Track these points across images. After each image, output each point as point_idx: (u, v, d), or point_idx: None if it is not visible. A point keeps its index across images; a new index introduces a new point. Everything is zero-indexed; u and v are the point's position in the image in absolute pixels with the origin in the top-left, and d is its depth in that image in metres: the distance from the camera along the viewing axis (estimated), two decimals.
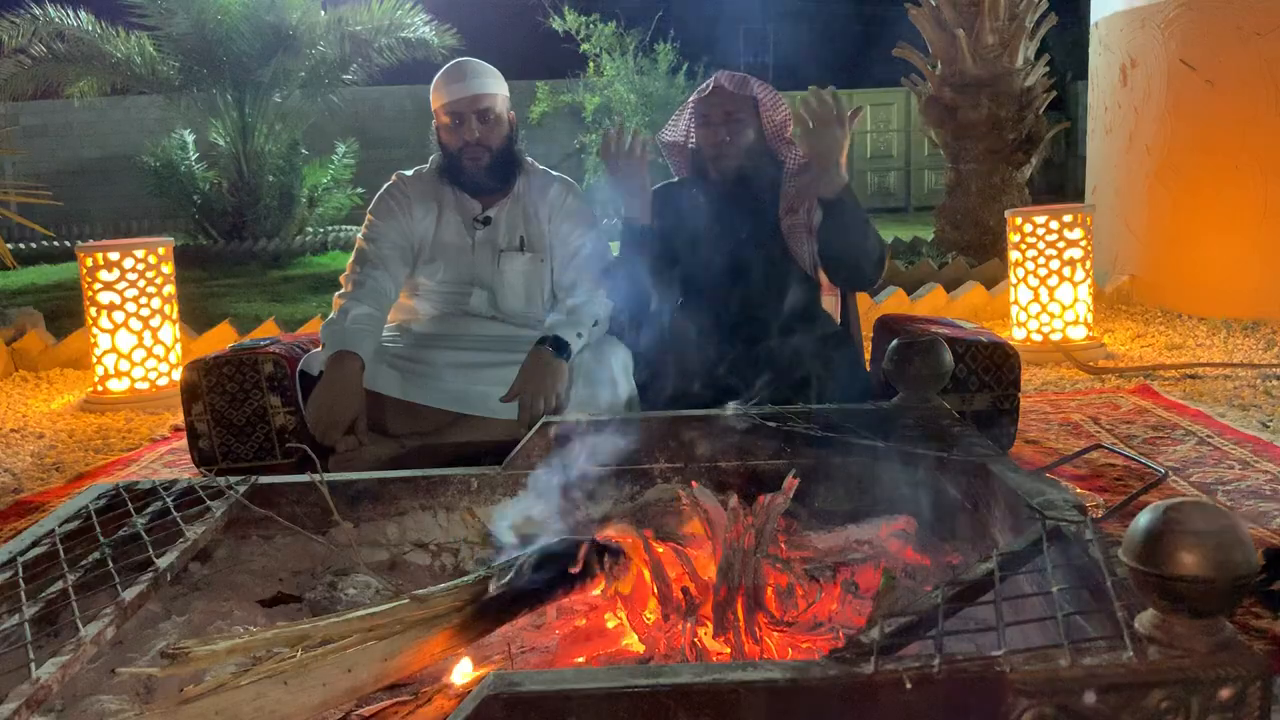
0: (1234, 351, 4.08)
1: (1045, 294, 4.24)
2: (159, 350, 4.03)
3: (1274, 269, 4.62)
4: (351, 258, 2.61)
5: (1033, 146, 6.58)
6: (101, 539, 1.53)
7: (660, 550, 1.55)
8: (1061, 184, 12.60)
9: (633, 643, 1.45)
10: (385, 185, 2.71)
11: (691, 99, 2.63)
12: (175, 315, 4.14)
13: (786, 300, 2.53)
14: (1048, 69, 6.67)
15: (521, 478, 1.87)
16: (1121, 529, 1.03)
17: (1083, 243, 4.23)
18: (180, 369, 3.08)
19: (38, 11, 9.42)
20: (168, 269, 4.06)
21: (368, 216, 2.66)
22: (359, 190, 10.58)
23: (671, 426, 1.92)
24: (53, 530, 1.57)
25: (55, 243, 10.42)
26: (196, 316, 5.55)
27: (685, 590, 1.47)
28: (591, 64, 11.73)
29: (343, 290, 2.52)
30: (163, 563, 1.45)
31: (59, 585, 1.37)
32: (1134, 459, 1.60)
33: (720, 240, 2.54)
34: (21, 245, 10.35)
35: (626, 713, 0.97)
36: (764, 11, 16.95)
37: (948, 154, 6.79)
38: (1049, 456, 2.67)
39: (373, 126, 12.87)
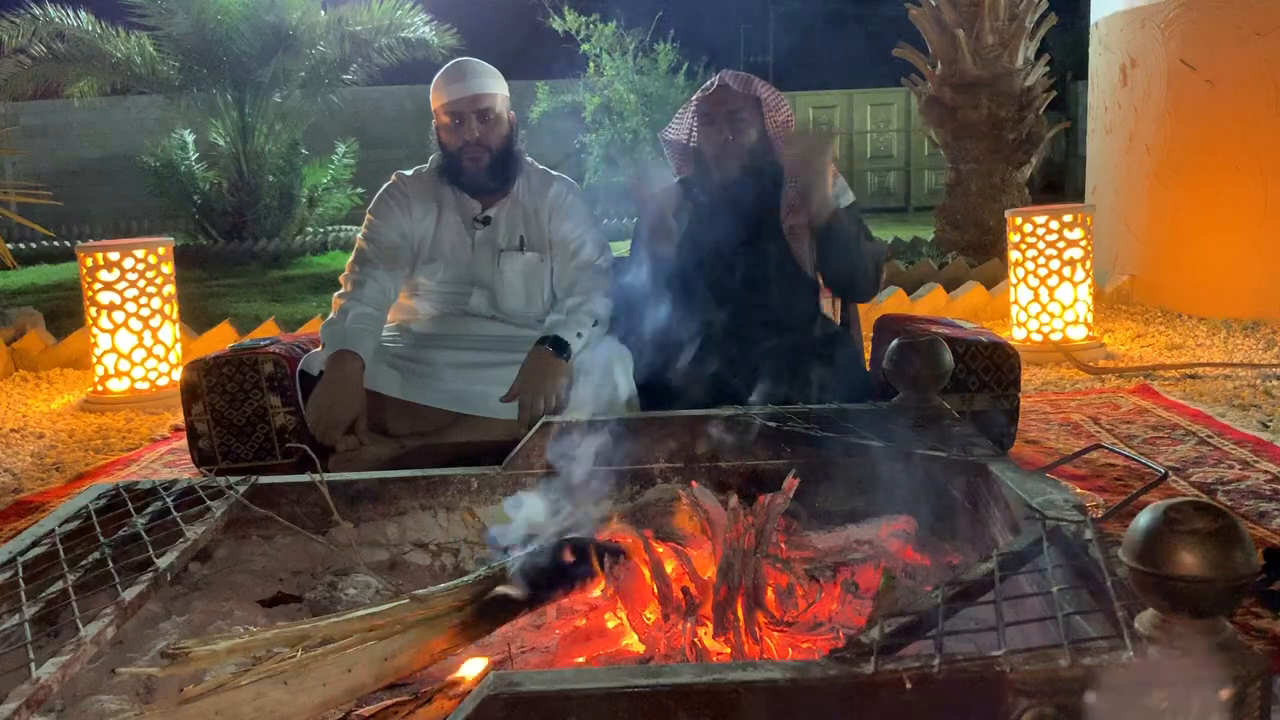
0: (1234, 351, 4.08)
1: (1045, 294, 4.25)
2: (159, 350, 4.03)
3: (1274, 269, 4.62)
4: (351, 257, 2.60)
5: (1033, 146, 6.58)
6: (101, 539, 1.53)
7: (660, 550, 1.55)
8: (1061, 184, 12.60)
9: (633, 643, 1.45)
10: (385, 185, 2.70)
11: (695, 98, 2.63)
12: (175, 315, 4.14)
13: (787, 300, 2.52)
14: (1048, 69, 6.67)
15: (521, 478, 1.87)
16: (1121, 529, 1.03)
17: (1083, 243, 4.23)
18: (180, 369, 3.08)
19: (38, 11, 9.43)
20: (168, 269, 4.06)
21: (367, 216, 2.66)
22: (359, 190, 10.59)
23: (671, 426, 1.92)
24: (53, 530, 1.57)
25: (55, 243, 10.43)
26: (196, 316, 5.55)
27: (685, 590, 1.47)
28: (591, 64, 11.73)
29: (342, 290, 2.52)
30: (163, 563, 1.45)
31: (59, 585, 1.37)
32: (1134, 459, 1.60)
33: (721, 240, 2.54)
34: (21, 245, 10.35)
35: (626, 713, 0.97)
36: (764, 11, 16.96)
37: (948, 154, 6.79)
38: (1049, 456, 2.67)
39: (373, 126, 12.87)
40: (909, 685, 0.96)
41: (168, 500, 1.69)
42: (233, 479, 1.80)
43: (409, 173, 2.71)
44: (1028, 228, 4.26)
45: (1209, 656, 0.94)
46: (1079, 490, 2.34)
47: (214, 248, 9.88)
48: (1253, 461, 2.60)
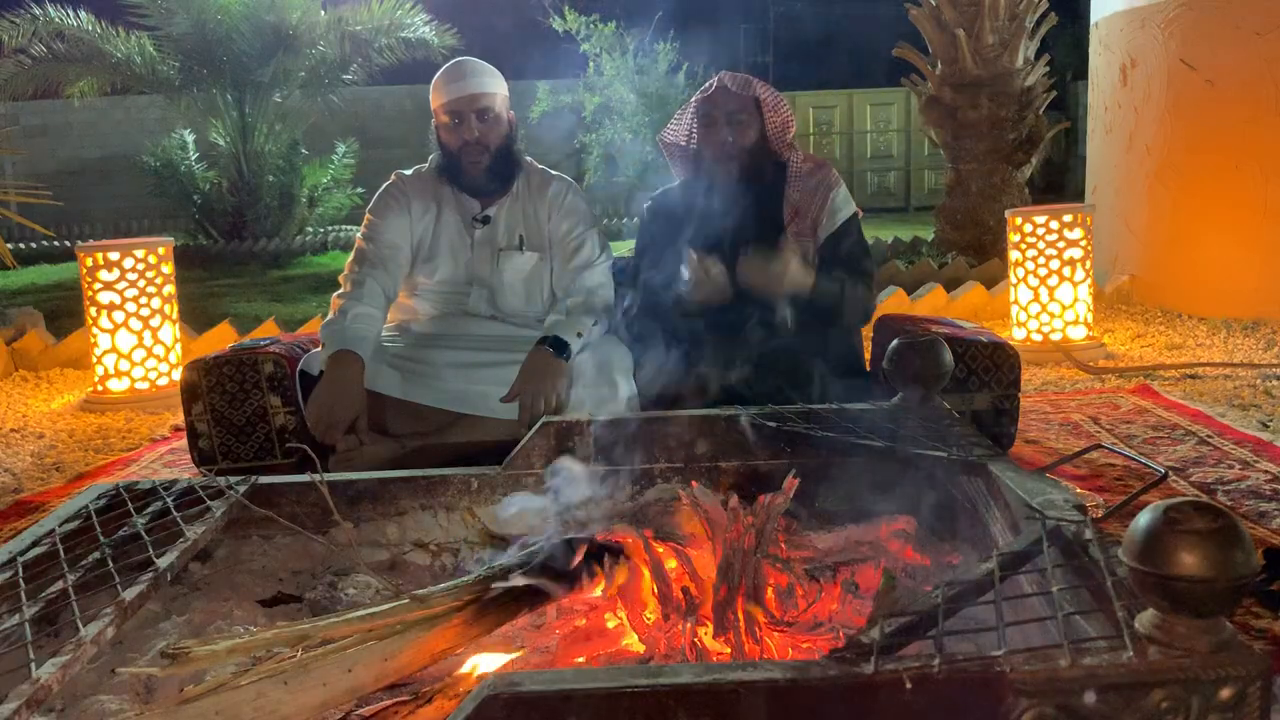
0: (1234, 351, 4.08)
1: (1045, 294, 4.24)
2: (159, 350, 4.03)
3: (1274, 269, 4.62)
4: (351, 257, 2.60)
5: (1033, 146, 6.58)
6: (101, 539, 1.53)
7: (660, 550, 1.55)
8: (1061, 184, 12.60)
9: (633, 643, 1.45)
10: (384, 185, 2.71)
11: (694, 99, 2.63)
12: (175, 315, 4.14)
13: (786, 301, 2.52)
14: (1048, 69, 6.67)
15: (521, 478, 1.87)
16: (1121, 529, 1.03)
17: (1083, 243, 4.23)
18: (180, 369, 3.08)
19: (38, 11, 9.42)
20: (168, 269, 4.06)
21: (367, 216, 2.66)
22: (359, 190, 10.59)
23: (671, 426, 1.92)
24: (53, 530, 1.57)
25: (55, 243, 10.43)
26: (196, 316, 5.55)
27: (685, 590, 1.48)
28: (591, 64, 11.73)
29: (342, 290, 2.52)
30: (163, 563, 1.45)
31: (59, 585, 1.37)
32: (1134, 459, 1.60)
33: (722, 241, 2.54)
34: (21, 245, 10.35)
35: (626, 713, 0.97)
36: (764, 11, 16.96)
37: (948, 154, 6.79)
38: (1049, 456, 2.67)
39: (373, 126, 12.87)
40: (909, 685, 0.96)
41: (168, 500, 1.69)
42: (233, 479, 1.80)
43: (408, 172, 2.71)
44: (1028, 228, 4.26)
45: (1209, 656, 0.94)
46: (1079, 490, 2.34)
47: (214, 248, 9.88)
48: (1253, 461, 2.60)
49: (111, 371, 3.98)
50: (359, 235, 2.65)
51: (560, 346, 2.42)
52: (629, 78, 11.48)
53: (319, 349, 2.45)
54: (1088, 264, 4.26)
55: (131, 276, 3.94)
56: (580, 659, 1.42)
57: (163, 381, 4.02)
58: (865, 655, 0.99)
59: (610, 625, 1.49)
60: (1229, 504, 2.28)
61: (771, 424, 1.88)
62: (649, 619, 1.48)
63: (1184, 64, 4.88)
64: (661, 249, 2.57)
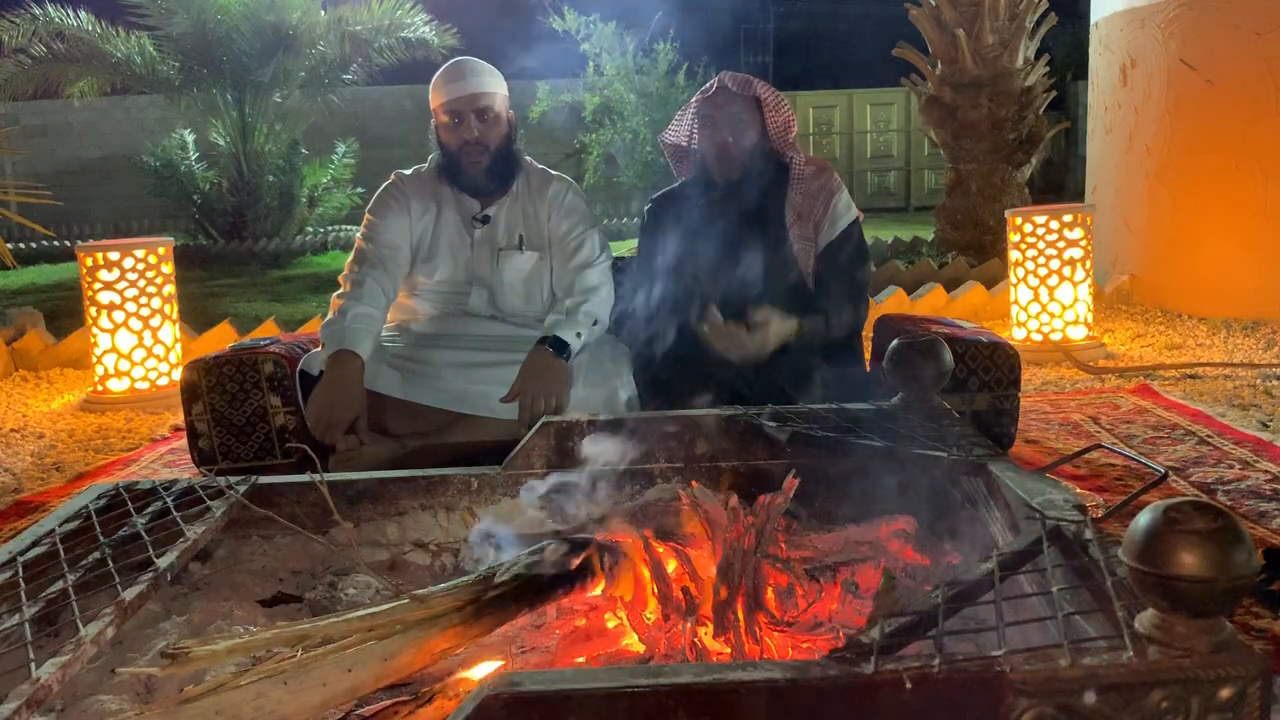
0: (1234, 351, 4.08)
1: (1045, 294, 4.24)
2: (159, 350, 4.03)
3: (1274, 269, 4.62)
4: (350, 257, 2.60)
5: (1033, 146, 6.58)
6: (101, 539, 1.53)
7: (660, 550, 1.55)
8: (1061, 184, 12.59)
9: (633, 643, 1.45)
10: (384, 185, 2.71)
11: (694, 100, 2.63)
12: (175, 315, 4.14)
13: (787, 301, 2.52)
14: (1048, 69, 6.67)
15: (521, 478, 1.87)
16: (1121, 529, 1.03)
17: (1083, 242, 4.23)
18: (180, 369, 3.08)
19: (38, 11, 9.43)
20: (168, 269, 4.06)
21: (367, 216, 2.66)
22: (359, 190, 10.60)
23: (671, 426, 1.92)
24: (53, 530, 1.57)
25: (55, 243, 10.43)
26: (196, 316, 5.55)
27: (685, 590, 1.47)
28: (591, 64, 11.72)
29: (341, 290, 2.52)
30: (163, 563, 1.45)
31: (59, 585, 1.37)
32: (1134, 459, 1.60)
33: (722, 243, 2.54)
34: (21, 245, 10.35)
35: (626, 713, 0.97)
36: (764, 11, 16.95)
37: (948, 154, 6.79)
38: (1049, 456, 2.67)
39: (373, 126, 12.87)
40: (909, 685, 0.96)
41: (168, 500, 1.69)
42: (233, 479, 1.80)
43: (408, 172, 2.71)
44: (1028, 228, 4.26)
45: (1209, 656, 0.94)
46: (1079, 490, 2.34)
47: (214, 248, 9.88)
48: (1253, 461, 2.60)
49: (111, 371, 3.98)
50: (359, 235, 2.65)
51: (560, 346, 2.42)
52: (629, 78, 11.48)
53: (319, 349, 2.45)
54: (1088, 264, 4.26)
55: (131, 276, 3.94)
56: (580, 659, 1.42)
57: (163, 381, 4.02)
58: (865, 655, 0.99)
59: (610, 625, 1.49)
60: (1229, 504, 2.28)
61: (772, 424, 1.88)
62: (649, 619, 1.48)
63: (1184, 64, 4.88)
64: (664, 251, 2.57)
